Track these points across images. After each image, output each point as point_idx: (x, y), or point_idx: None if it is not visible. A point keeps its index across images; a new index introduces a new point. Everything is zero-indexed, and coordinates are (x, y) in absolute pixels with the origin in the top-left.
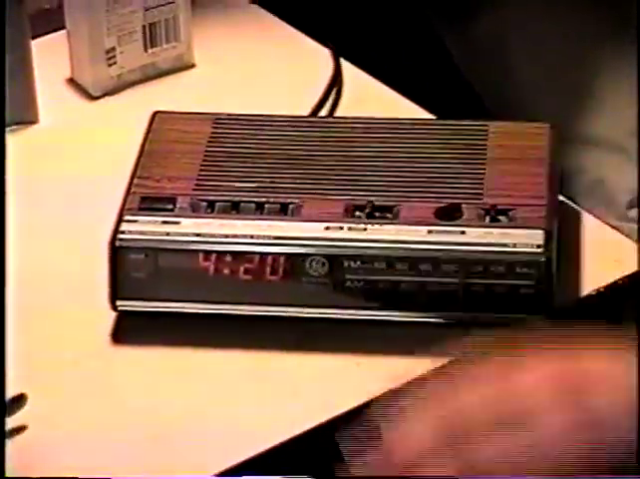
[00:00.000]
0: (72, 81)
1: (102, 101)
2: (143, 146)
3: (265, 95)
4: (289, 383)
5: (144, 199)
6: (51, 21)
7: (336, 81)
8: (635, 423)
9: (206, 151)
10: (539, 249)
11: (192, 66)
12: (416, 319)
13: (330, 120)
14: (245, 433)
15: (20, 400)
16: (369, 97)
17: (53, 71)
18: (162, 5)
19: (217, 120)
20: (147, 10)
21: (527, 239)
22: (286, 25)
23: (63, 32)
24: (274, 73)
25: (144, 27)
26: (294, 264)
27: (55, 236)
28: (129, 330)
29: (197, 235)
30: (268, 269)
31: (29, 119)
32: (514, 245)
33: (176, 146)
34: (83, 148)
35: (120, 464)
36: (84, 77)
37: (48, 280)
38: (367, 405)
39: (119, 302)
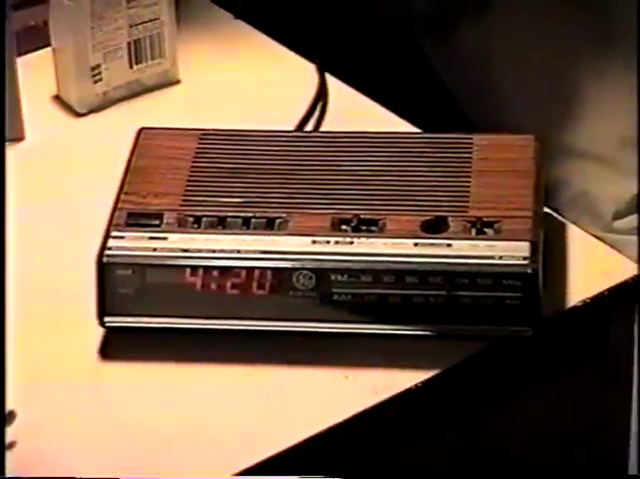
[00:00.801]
0: (57, 98)
1: (87, 118)
2: (129, 162)
3: (251, 110)
4: (277, 397)
5: (130, 215)
6: (36, 38)
7: (321, 95)
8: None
9: (192, 166)
10: (525, 261)
11: (177, 82)
12: (403, 332)
13: (316, 134)
14: (233, 448)
15: (9, 417)
16: (354, 111)
17: (39, 88)
18: (147, 22)
19: (203, 135)
20: (131, 27)
21: (513, 252)
22: (271, 40)
23: (48, 49)
24: (259, 88)
25: (129, 44)
26: (281, 279)
27: (41, 251)
28: (117, 346)
29: (184, 250)
30: (255, 284)
31: (15, 136)
32: (501, 258)
33: (163, 162)
34: (69, 164)
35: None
36: (69, 94)
37: (35, 296)
38: (356, 418)
39: (106, 319)
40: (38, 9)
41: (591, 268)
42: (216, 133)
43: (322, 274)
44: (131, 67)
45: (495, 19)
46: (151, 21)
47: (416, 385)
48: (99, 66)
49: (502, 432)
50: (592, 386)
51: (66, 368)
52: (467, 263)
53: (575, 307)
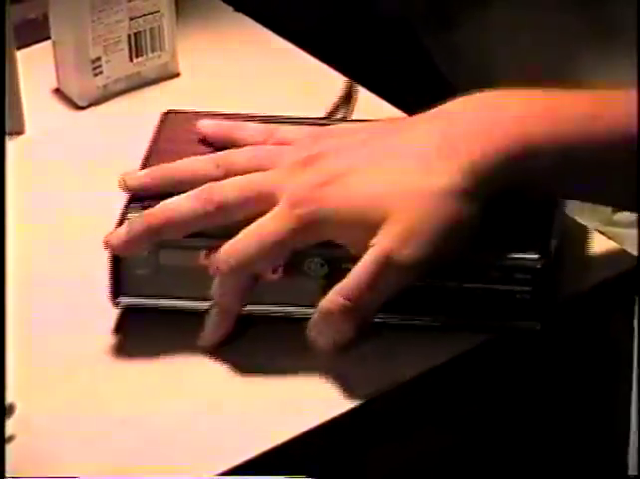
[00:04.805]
0: (58, 91)
1: (88, 110)
2: (152, 144)
3: (251, 103)
4: (282, 387)
5: (146, 197)
6: (36, 31)
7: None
8: None
9: (214, 151)
10: (537, 256)
11: (177, 75)
12: (412, 323)
13: (337, 122)
14: (237, 438)
15: (8, 410)
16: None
17: (39, 81)
18: (147, 14)
19: (228, 118)
20: (131, 19)
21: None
22: (271, 33)
23: (48, 42)
24: (259, 81)
25: (129, 36)
26: (293, 265)
27: (40, 245)
28: (117, 342)
29: (199, 233)
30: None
31: (15, 129)
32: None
33: (185, 145)
34: (69, 157)
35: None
36: (69, 87)
37: (35, 290)
38: (357, 409)
39: (120, 299)
40: (38, 2)
41: (590, 260)
42: (241, 116)
43: (333, 262)
44: (131, 60)
45: (495, 13)
46: (150, 14)
47: (418, 374)
48: (99, 59)
49: (499, 424)
50: (592, 379)
51: (66, 363)
52: (478, 257)
53: (574, 300)
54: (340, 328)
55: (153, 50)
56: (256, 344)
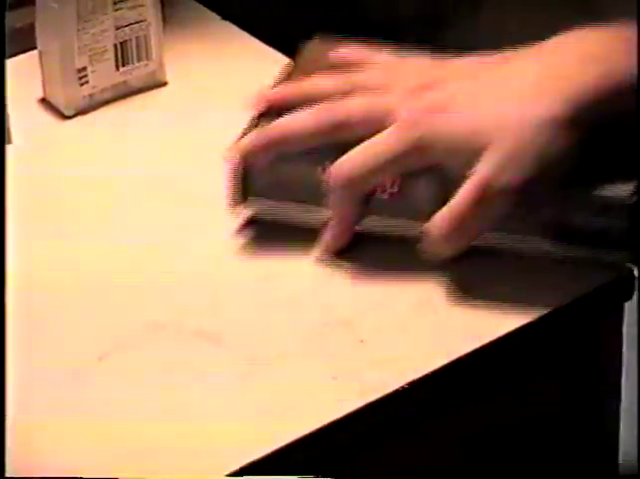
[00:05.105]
0: (44, 101)
1: (74, 120)
2: (291, 68)
3: (237, 111)
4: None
5: (274, 113)
6: (22, 41)
7: None
8: None
9: None
10: (632, 190)
11: (165, 84)
12: (506, 246)
13: None
14: (220, 450)
15: None
16: None
17: (25, 91)
18: (133, 24)
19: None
20: (117, 29)
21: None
22: (258, 41)
23: (34, 52)
24: (247, 90)
25: (115, 46)
26: (404, 184)
27: (29, 256)
28: (115, 346)
29: (319, 149)
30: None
31: None
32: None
33: (319, 70)
34: (56, 167)
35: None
36: (56, 96)
37: (33, 299)
38: (340, 421)
39: (243, 204)
40: (24, 11)
41: (580, 266)
42: (374, 47)
43: (441, 184)
44: (117, 69)
45: (483, 19)
46: (137, 23)
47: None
48: (85, 68)
49: (490, 427)
50: (583, 382)
51: (66, 363)
52: (574, 189)
53: (566, 306)
54: (444, 249)
55: (139, 59)
56: (364, 260)
